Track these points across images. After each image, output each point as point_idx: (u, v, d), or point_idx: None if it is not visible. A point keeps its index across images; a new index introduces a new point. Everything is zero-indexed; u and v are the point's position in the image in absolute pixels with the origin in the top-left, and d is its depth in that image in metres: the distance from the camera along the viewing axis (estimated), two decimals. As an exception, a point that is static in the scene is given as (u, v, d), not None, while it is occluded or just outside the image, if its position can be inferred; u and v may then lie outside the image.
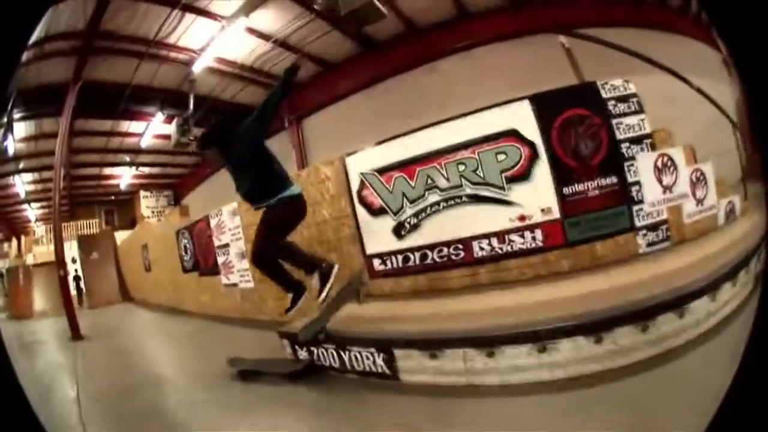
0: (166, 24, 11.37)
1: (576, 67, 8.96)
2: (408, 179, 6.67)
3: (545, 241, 5.94)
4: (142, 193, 25.57)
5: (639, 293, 4.11)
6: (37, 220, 26.03)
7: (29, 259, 23.06)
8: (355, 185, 7.13)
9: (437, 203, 6.50)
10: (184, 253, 11.85)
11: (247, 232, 8.73)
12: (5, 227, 27.09)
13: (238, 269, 9.32)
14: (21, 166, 19.75)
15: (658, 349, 3.75)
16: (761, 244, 4.71)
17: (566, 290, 4.95)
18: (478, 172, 6.21)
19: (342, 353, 4.93)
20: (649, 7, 10.86)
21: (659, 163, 5.88)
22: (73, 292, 19.45)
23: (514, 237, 6.05)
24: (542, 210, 5.93)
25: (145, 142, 19.15)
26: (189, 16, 11.12)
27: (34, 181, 21.41)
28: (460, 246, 6.37)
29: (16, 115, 14.67)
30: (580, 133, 5.89)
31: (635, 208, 5.82)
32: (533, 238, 5.98)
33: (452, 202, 6.43)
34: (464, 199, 6.33)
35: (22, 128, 16.11)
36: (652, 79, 7.12)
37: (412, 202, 6.67)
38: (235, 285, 9.53)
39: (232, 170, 5.06)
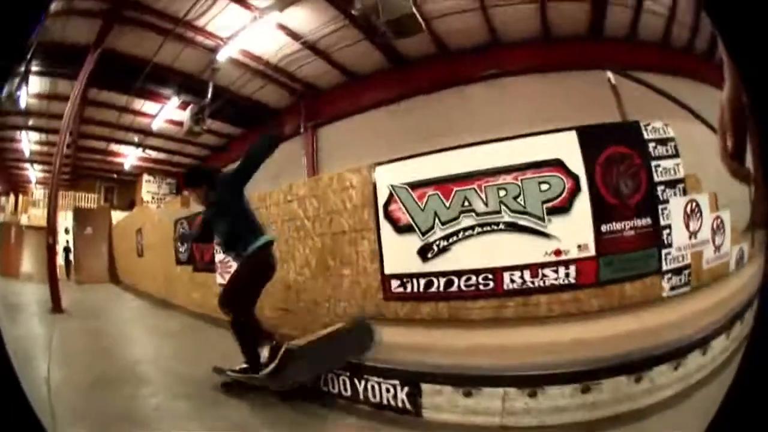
0: (198, 5, 10.88)
1: (620, 104, 8.39)
2: (443, 198, 6.15)
3: (578, 279, 5.62)
4: (146, 176, 24.70)
5: (671, 334, 4.25)
6: (37, 182, 24.83)
7: (23, 220, 21.37)
8: (382, 197, 6.53)
9: (471, 228, 6.01)
10: (179, 245, 11.01)
11: None
12: (5, 181, 26.26)
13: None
14: (30, 123, 18.66)
15: (685, 384, 4.00)
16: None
17: (598, 329, 4.88)
18: (519, 199, 5.80)
19: (356, 382, 4.59)
20: (676, 52, 10.25)
21: (688, 209, 5.84)
22: (62, 263, 19.00)
23: (548, 271, 5.68)
24: (579, 246, 5.62)
25: (157, 124, 18.40)
26: (222, 1, 10.69)
27: (40, 142, 20.31)
28: (490, 276, 5.86)
29: (34, 68, 14.13)
30: (621, 171, 5.71)
31: (664, 251, 5.66)
32: (567, 275, 5.64)
33: (488, 228, 5.95)
34: (501, 226, 5.88)
35: (37, 83, 15.38)
36: (680, 125, 6.63)
37: (444, 223, 6.14)
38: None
39: (211, 215, 5.28)
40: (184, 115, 15.11)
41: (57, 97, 15.57)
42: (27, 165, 24.21)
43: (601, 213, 5.65)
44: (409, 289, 6.32)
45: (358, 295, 6.54)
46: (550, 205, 5.72)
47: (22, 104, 16.48)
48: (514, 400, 3.82)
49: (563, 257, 5.64)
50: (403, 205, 6.38)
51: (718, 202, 6.16)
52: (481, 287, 5.91)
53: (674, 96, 8.22)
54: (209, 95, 14.55)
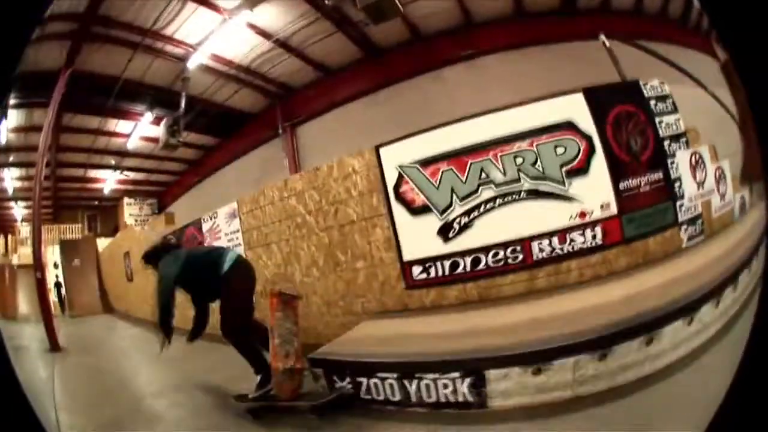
0: (166, 12, 10.30)
1: (618, 65, 8.05)
2: (458, 172, 5.75)
3: (605, 239, 5.49)
4: (126, 199, 24.10)
5: (708, 275, 4.29)
6: (23, 219, 24.24)
7: (14, 260, 21.06)
8: (391, 180, 6.01)
9: (492, 199, 5.67)
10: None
11: (247, 236, 7.34)
12: None
13: (234, 281, 7.81)
14: (10, 159, 18.19)
15: (726, 318, 4.06)
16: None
17: (638, 284, 4.74)
18: (537, 165, 5.56)
19: (407, 383, 3.94)
20: (650, 20, 10.57)
21: (693, 160, 5.95)
22: (55, 299, 18.40)
23: (575, 235, 5.50)
24: (602, 206, 5.50)
25: (132, 143, 17.92)
26: (190, 5, 10.11)
27: (21, 178, 19.81)
28: (518, 248, 5.57)
29: (12, 101, 13.54)
30: (630, 129, 5.70)
31: (678, 203, 5.71)
32: (593, 236, 5.50)
33: (509, 198, 5.64)
34: (523, 195, 5.61)
35: (14, 116, 14.97)
36: (672, 84, 6.71)
37: (462, 198, 5.74)
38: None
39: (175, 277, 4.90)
40: (159, 130, 14.40)
41: (33, 128, 14.73)
42: (11, 203, 23.60)
43: (617, 171, 5.54)
44: (433, 274, 5.84)
45: (376, 288, 6.01)
46: (568, 167, 5.54)
47: (2, 140, 16.24)
48: (584, 368, 3.54)
49: (588, 219, 5.48)
50: (416, 185, 5.90)
51: (718, 153, 6.30)
52: (510, 261, 5.60)
53: (658, 53, 8.47)
54: (182, 106, 13.83)
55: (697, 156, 6.00)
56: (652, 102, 5.83)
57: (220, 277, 4.74)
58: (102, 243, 19.87)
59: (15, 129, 15.69)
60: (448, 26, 11.62)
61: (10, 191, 20.86)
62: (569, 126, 5.57)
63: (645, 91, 5.84)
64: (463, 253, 5.72)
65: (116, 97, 14.44)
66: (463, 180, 5.73)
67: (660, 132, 5.78)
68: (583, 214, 5.49)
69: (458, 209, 5.75)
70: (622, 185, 5.53)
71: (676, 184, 5.73)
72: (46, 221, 23.17)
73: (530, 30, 10.56)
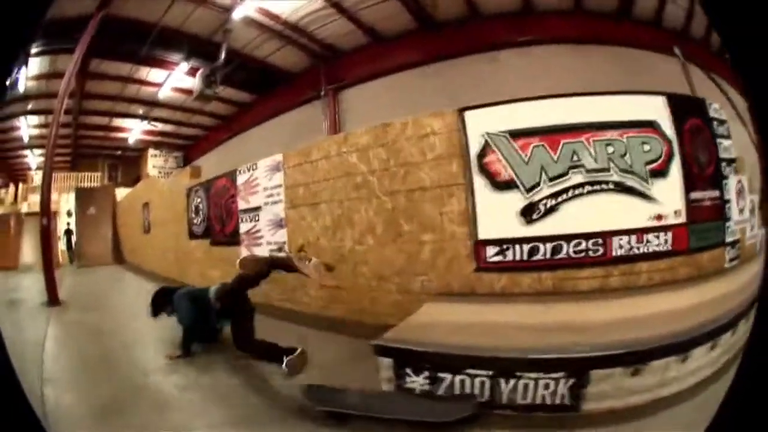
0: None
1: (690, 81, 8.34)
2: (550, 150, 5.12)
3: (673, 245, 5.18)
4: (151, 151, 23.56)
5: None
6: (37, 167, 23.55)
7: (24, 208, 20.49)
8: (475, 147, 5.20)
9: (581, 185, 5.10)
10: (194, 215, 9.29)
11: (290, 193, 6.38)
12: (5, 173, 24.92)
13: (268, 241, 6.82)
14: (29, 107, 17.67)
15: None
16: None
17: (704, 293, 4.62)
18: (626, 158, 5.17)
19: (503, 382, 3.38)
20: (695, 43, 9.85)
21: (738, 187, 5.91)
22: (64, 247, 17.85)
23: (651, 237, 5.13)
24: (675, 212, 5.22)
25: (164, 93, 17.34)
26: None
27: (39, 125, 19.24)
28: (600, 240, 5.05)
29: (34, 50, 12.87)
30: (699, 142, 5.57)
31: (726, 224, 5.61)
32: (665, 241, 5.16)
33: (597, 187, 5.15)
34: (610, 185, 5.15)
35: (36, 64, 14.17)
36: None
37: (552, 179, 5.10)
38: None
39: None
40: (194, 81, 13.57)
41: (55, 74, 14.06)
42: (27, 152, 22.91)
43: (689, 180, 5.31)
44: (509, 257, 5.10)
45: (442, 266, 5.15)
46: (651, 167, 5.23)
47: (21, 89, 15.40)
48: (669, 370, 3.43)
49: (663, 222, 5.19)
50: (503, 157, 5.17)
51: (751, 186, 6.16)
52: (591, 253, 5.07)
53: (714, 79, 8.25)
54: (222, 57, 12.97)
55: (741, 184, 5.97)
56: (714, 123, 5.70)
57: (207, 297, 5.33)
58: (121, 193, 19.13)
59: (36, 77, 15.07)
60: (507, 9, 11.00)
61: (26, 139, 20.44)
62: (653, 126, 5.28)
63: (710, 111, 5.69)
64: (544, 239, 5.07)
65: (151, 45, 13.61)
66: (555, 159, 5.13)
67: (719, 152, 5.66)
68: (659, 217, 5.19)
69: (546, 190, 5.12)
70: (691, 195, 5.30)
71: (727, 206, 5.63)
72: (63, 169, 22.58)
73: (589, 27, 10.04)
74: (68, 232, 18.19)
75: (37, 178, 22.39)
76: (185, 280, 9.40)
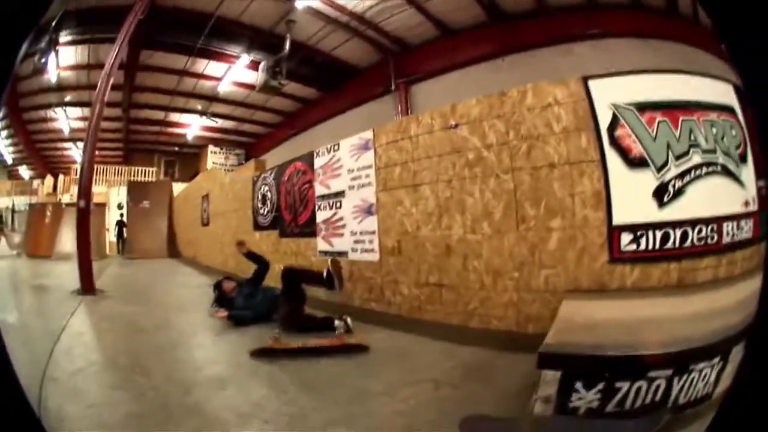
0: None
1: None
2: (672, 127, 4.51)
3: (753, 233, 4.66)
4: (211, 147, 23.41)
5: None
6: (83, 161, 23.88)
7: (65, 198, 20.64)
8: (604, 120, 4.38)
9: (700, 166, 4.53)
10: (260, 205, 8.58)
11: (384, 174, 5.58)
12: (40, 164, 25.19)
13: (352, 231, 6.02)
14: (67, 98, 17.68)
15: None
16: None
17: None
18: (725, 140, 4.70)
19: (676, 381, 2.71)
20: None
21: None
22: (114, 238, 18.37)
23: (743, 223, 4.62)
24: (753, 199, 4.76)
25: (223, 88, 17.04)
26: None
27: (83, 117, 19.09)
28: (714, 227, 4.43)
29: (64, 38, 12.64)
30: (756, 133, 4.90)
31: None
32: (750, 228, 4.65)
33: (710, 169, 4.64)
34: (718, 168, 4.64)
35: (70, 54, 14.03)
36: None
37: (677, 158, 4.48)
38: (340, 254, 6.24)
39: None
40: (257, 74, 13.00)
41: (99, 66, 13.14)
42: (68, 144, 22.87)
43: (759, 168, 4.83)
44: (642, 246, 4.28)
45: (572, 258, 4.26)
46: (739, 152, 4.79)
47: (53, 78, 15.30)
48: None
49: (749, 209, 4.71)
50: (633, 131, 4.43)
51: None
52: (709, 241, 4.43)
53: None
54: (286, 49, 12.35)
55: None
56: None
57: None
58: (179, 188, 18.85)
59: (73, 66, 15.00)
60: (576, 2, 10.59)
61: (67, 131, 20.45)
62: (732, 111, 4.79)
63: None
64: (674, 224, 4.35)
65: (207, 36, 13.25)
66: (677, 137, 4.52)
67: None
68: (747, 203, 4.72)
69: (673, 170, 4.47)
70: (758, 183, 4.81)
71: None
72: (114, 163, 22.58)
73: (650, 23, 9.49)
74: (120, 223, 18.42)
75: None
76: (246, 275, 8.83)
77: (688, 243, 4.40)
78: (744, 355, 1.92)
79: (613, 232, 4.32)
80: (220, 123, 20.36)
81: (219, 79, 16.34)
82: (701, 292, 4.13)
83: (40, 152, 24.56)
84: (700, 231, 4.43)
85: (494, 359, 3.82)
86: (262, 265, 6.28)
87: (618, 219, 4.34)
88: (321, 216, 6.68)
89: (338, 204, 6.33)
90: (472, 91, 9.95)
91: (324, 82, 16.07)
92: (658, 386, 2.72)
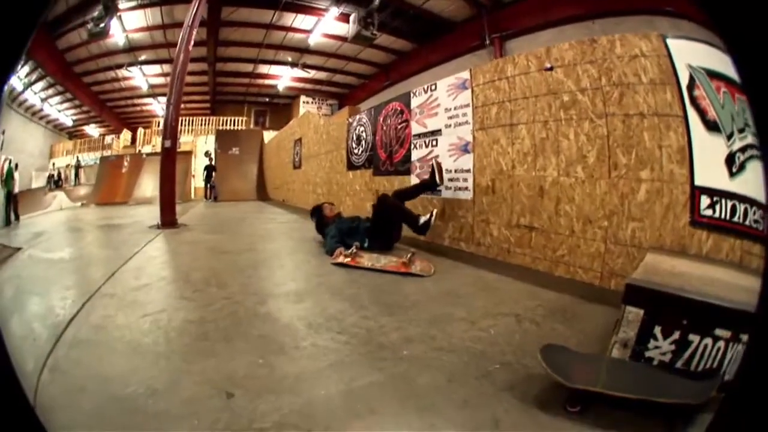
0: None
1: None
2: (732, 101, 4.19)
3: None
4: (303, 98, 23.67)
5: None
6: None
7: (147, 149, 22.28)
8: (684, 78, 4.24)
9: (752, 146, 4.10)
10: (354, 145, 8.89)
11: (482, 113, 5.63)
12: (114, 121, 26.65)
13: (447, 169, 6.07)
14: (142, 57, 18.93)
15: None
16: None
17: None
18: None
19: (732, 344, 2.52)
20: None
21: None
22: (201, 183, 18.43)
23: None
24: None
25: (314, 40, 17.08)
26: None
27: (163, 74, 20.03)
28: (760, 212, 3.98)
29: (125, 4, 13.83)
30: None
31: None
32: None
33: (757, 153, 3.69)
34: (756, 152, 3.99)
35: (140, 17, 15.22)
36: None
37: (739, 131, 4.18)
38: (433, 192, 6.32)
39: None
40: (348, 26, 13.48)
41: (176, 25, 14.51)
42: (148, 100, 24.00)
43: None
44: (717, 213, 4.11)
45: (658, 212, 4.19)
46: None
47: (121, 41, 16.56)
48: None
49: None
50: (707, 95, 4.24)
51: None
52: (760, 227, 4.03)
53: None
54: (377, 1, 12.75)
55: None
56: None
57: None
58: (269, 137, 19.19)
59: (145, 28, 16.13)
60: None
61: (145, 88, 22.06)
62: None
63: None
64: (740, 198, 4.09)
65: None
66: (737, 111, 4.19)
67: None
68: None
69: (738, 142, 4.18)
70: None
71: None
72: (202, 114, 23.42)
73: None
74: (209, 167, 18.80)
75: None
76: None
77: (748, 222, 4.20)
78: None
79: (695, 192, 4.21)
80: (312, 74, 20.65)
81: (309, 32, 16.52)
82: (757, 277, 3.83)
83: (113, 110, 25.81)
84: (755, 213, 4.17)
85: (577, 306, 3.70)
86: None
87: (700, 180, 4.22)
88: (416, 154, 6.77)
89: (434, 142, 6.39)
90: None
91: (417, 34, 16.05)
92: (718, 348, 2.60)
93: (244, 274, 4.67)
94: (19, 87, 18.02)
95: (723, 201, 4.16)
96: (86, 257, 5.73)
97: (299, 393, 2.15)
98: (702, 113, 4.25)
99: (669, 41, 4.40)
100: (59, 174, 21.10)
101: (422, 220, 5.42)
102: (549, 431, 1.91)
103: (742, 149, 4.20)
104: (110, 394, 2.10)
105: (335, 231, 5.77)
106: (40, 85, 19.22)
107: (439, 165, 5.81)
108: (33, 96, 19.92)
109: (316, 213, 6.54)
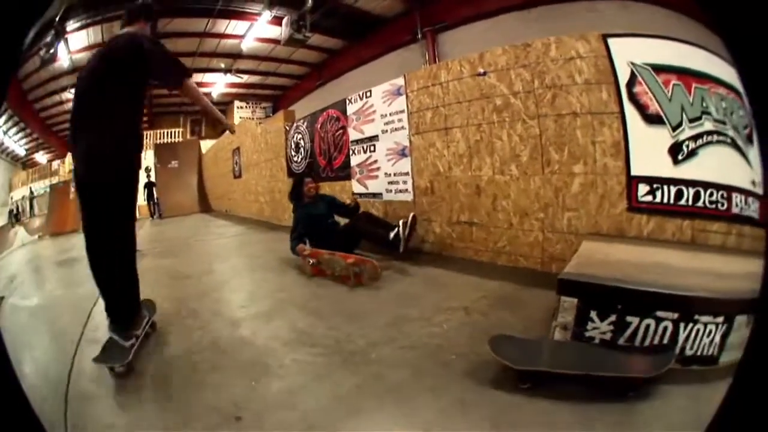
0: None
1: None
2: (686, 91, 4.59)
3: (759, 215, 4.44)
4: (237, 103, 23.49)
5: None
6: None
7: None
8: (623, 76, 4.56)
9: (711, 133, 4.60)
10: (293, 153, 8.87)
11: (417, 118, 5.82)
12: (58, 145, 25.77)
13: (386, 172, 6.30)
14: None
15: None
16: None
17: None
18: (734, 116, 4.65)
19: (682, 327, 2.78)
20: None
21: None
22: (144, 201, 17.94)
23: (751, 201, 4.52)
24: (759, 182, 4.39)
25: (246, 45, 17.02)
26: None
27: None
28: (725, 194, 4.47)
29: (72, 26, 13.41)
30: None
31: None
32: (755, 209, 4.51)
33: (721, 138, 4.69)
34: (728, 140, 4.65)
35: (82, 37, 14.38)
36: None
37: (691, 120, 4.59)
38: (375, 195, 6.65)
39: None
40: (281, 29, 13.41)
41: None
42: None
43: (762, 151, 4.04)
44: (658, 198, 4.50)
45: (593, 202, 4.51)
46: (746, 132, 4.65)
47: (66, 63, 15.58)
48: None
49: (755, 189, 4.54)
50: (650, 89, 4.57)
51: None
52: (719, 206, 4.51)
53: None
54: (309, 2, 12.79)
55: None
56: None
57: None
58: (206, 146, 19.11)
59: (84, 48, 14.92)
60: None
61: None
62: (740, 94, 4.40)
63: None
64: (688, 182, 4.51)
65: None
66: (690, 102, 4.58)
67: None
68: (753, 183, 4.55)
69: (687, 131, 4.57)
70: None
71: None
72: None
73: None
74: (149, 185, 18.29)
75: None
76: (281, 222, 9.30)
77: (700, 203, 4.56)
78: (743, 356, 1.76)
79: (632, 181, 4.53)
80: (245, 78, 20.53)
81: (242, 37, 16.37)
82: (711, 253, 4.23)
83: (57, 134, 25.24)
84: (711, 194, 4.56)
85: (520, 293, 4.03)
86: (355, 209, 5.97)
87: (636, 170, 4.56)
88: (355, 160, 6.92)
89: (372, 147, 6.56)
90: (500, 41, 10.09)
91: (349, 32, 16.06)
92: (665, 327, 2.84)
93: (211, 299, 4.77)
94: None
95: (665, 187, 4.49)
96: (59, 300, 5.45)
97: (295, 407, 2.44)
98: (642, 108, 4.56)
99: (611, 40, 4.65)
100: (17, 207, 20.40)
101: (391, 235, 5.21)
102: (506, 405, 2.30)
103: (694, 137, 4.58)
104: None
105: (297, 223, 5.70)
106: (3, 118, 18.59)
107: (414, 228, 5.40)
108: (-6, 130, 19.27)
109: (298, 185, 6.16)
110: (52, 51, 12.44)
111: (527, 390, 2.40)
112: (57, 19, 11.82)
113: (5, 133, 20.20)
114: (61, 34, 12.42)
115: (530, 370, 2.47)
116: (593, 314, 2.89)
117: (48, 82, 17.58)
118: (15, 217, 19.46)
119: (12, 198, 21.26)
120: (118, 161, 3.21)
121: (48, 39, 12.32)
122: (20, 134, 22.23)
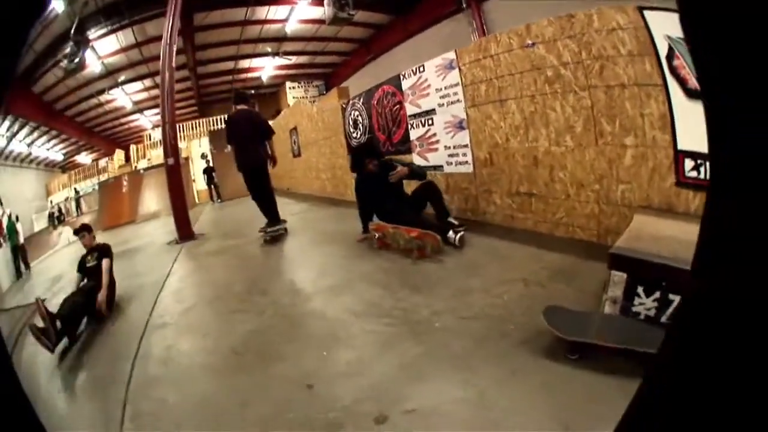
0: None
1: None
2: None
3: None
4: (288, 84, 23.79)
5: None
6: (153, 126, 25.75)
7: (142, 164, 22.22)
8: (662, 49, 4.40)
9: None
10: (352, 129, 9.24)
11: (472, 91, 5.94)
12: (103, 144, 26.90)
13: (446, 145, 6.52)
14: (121, 78, 19.12)
15: None
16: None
17: None
18: None
19: None
20: None
21: None
22: (204, 186, 18.95)
23: None
24: None
25: (291, 27, 17.11)
26: None
27: (145, 89, 20.81)
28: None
29: (95, 34, 14.31)
30: None
31: None
32: None
33: None
34: None
35: (112, 42, 15.48)
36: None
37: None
38: (436, 168, 6.73)
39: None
40: (324, 8, 13.28)
41: (149, 41, 15.60)
42: (135, 116, 24.24)
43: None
44: (702, 175, 4.25)
45: (644, 175, 4.44)
46: None
47: (98, 68, 16.89)
48: None
49: None
50: (687, 64, 4.31)
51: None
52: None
53: None
54: None
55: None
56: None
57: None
58: None
59: (119, 50, 16.36)
60: None
61: (130, 106, 22.34)
62: None
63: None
64: None
65: None
66: None
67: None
68: None
69: None
70: None
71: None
72: (190, 118, 23.57)
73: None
74: (208, 170, 18.86)
75: (154, 134, 23.79)
76: (344, 197, 9.75)
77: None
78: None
79: (679, 156, 4.40)
80: (294, 60, 20.77)
81: (285, 21, 16.53)
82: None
83: (100, 134, 25.93)
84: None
85: (577, 265, 4.06)
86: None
87: (682, 144, 4.40)
88: (414, 134, 7.19)
89: (430, 121, 6.70)
90: (545, 7, 10.09)
91: (393, 6, 16.16)
92: None
93: (281, 277, 5.20)
94: (2, 143, 18.18)
95: (706, 164, 4.20)
96: (119, 290, 5.59)
97: (364, 374, 2.71)
98: (682, 82, 4.38)
99: (646, 13, 4.56)
100: (59, 209, 21.13)
101: (449, 236, 5.18)
102: (553, 374, 2.47)
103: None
104: (206, 415, 2.66)
105: (362, 199, 6.03)
106: (24, 132, 19.46)
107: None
108: (19, 144, 20.06)
109: (358, 156, 6.30)
110: (77, 60, 12.78)
111: (576, 361, 2.57)
112: (72, 32, 12.40)
113: (29, 145, 21.17)
114: (83, 43, 12.91)
115: (580, 342, 2.64)
116: (640, 290, 2.98)
117: (79, 88, 18.36)
118: (57, 219, 20.29)
119: (51, 202, 22.19)
120: (260, 160, 7.20)
121: (68, 50, 12.82)
122: (53, 141, 23.27)
